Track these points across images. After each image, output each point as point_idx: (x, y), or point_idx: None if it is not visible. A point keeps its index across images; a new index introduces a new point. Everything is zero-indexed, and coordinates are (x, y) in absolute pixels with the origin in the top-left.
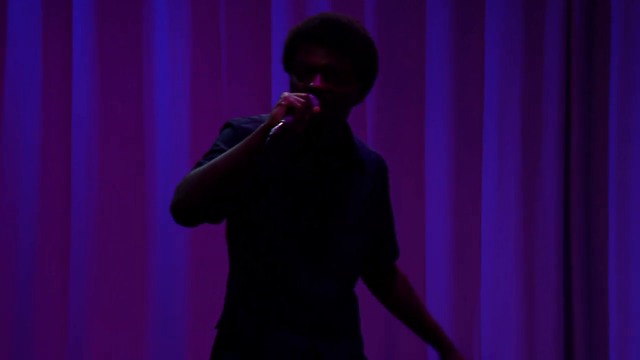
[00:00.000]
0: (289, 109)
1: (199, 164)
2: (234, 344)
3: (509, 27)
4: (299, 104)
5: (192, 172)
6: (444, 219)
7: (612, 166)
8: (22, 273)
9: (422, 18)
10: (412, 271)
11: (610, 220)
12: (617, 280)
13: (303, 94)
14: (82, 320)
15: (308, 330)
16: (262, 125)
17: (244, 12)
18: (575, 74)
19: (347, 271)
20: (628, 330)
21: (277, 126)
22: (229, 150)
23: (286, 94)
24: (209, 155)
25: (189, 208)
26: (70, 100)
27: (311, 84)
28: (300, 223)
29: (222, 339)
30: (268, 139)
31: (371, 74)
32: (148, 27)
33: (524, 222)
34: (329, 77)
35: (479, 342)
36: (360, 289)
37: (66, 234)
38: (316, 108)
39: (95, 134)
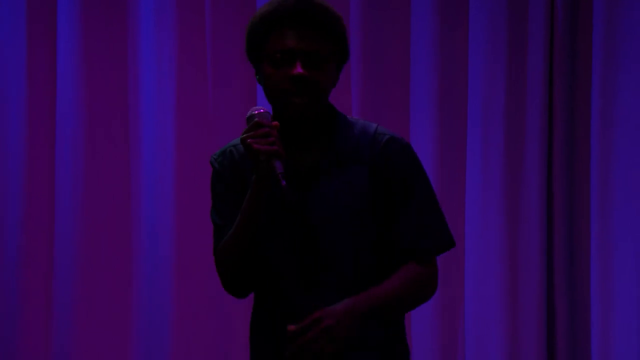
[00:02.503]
0: (271, 157)
1: (215, 226)
2: None
3: (493, 25)
4: (275, 147)
5: (222, 245)
6: None
7: (594, 165)
8: (6, 273)
9: (407, 19)
10: None
11: (592, 219)
12: (599, 277)
13: (264, 131)
14: (66, 321)
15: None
16: (259, 185)
17: (229, 12)
18: (558, 72)
19: (350, 279)
20: (610, 327)
21: (282, 182)
22: (242, 211)
23: (254, 145)
24: (212, 208)
25: (241, 279)
26: (55, 101)
27: (294, 71)
28: (287, 239)
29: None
30: (285, 193)
31: (347, 54)
32: (133, 28)
33: (508, 222)
34: (309, 62)
35: (464, 340)
36: None
37: (50, 235)
38: (276, 123)
39: (80, 135)
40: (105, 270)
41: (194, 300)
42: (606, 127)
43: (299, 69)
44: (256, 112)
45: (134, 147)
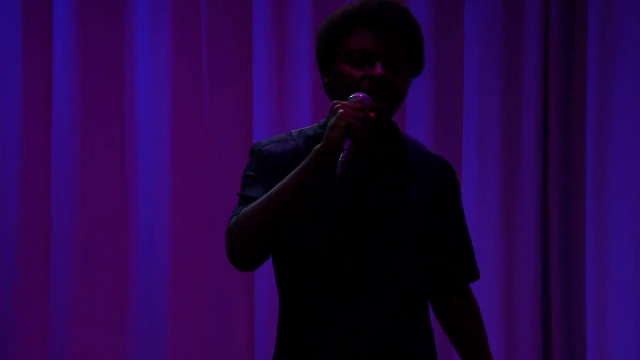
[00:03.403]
0: (349, 129)
1: (242, 198)
2: None
3: (488, 27)
4: (359, 123)
5: (242, 211)
6: None
7: (589, 167)
8: (4, 274)
9: None
10: None
11: (587, 220)
12: (594, 278)
13: (358, 105)
14: (63, 322)
15: None
16: (320, 149)
17: (225, 14)
18: (553, 74)
19: (406, 295)
20: (605, 329)
21: (342, 158)
22: (281, 183)
23: (341, 109)
24: (245, 190)
25: (250, 249)
26: (50, 104)
27: (375, 72)
28: (344, 243)
29: None
30: (338, 172)
31: (421, 65)
32: (129, 30)
33: (504, 223)
34: (388, 65)
35: None
36: None
37: (47, 236)
38: (371, 114)
39: (76, 136)
40: (102, 271)
41: (192, 301)
42: (601, 128)
43: (378, 69)
44: (362, 95)
45: (130, 149)
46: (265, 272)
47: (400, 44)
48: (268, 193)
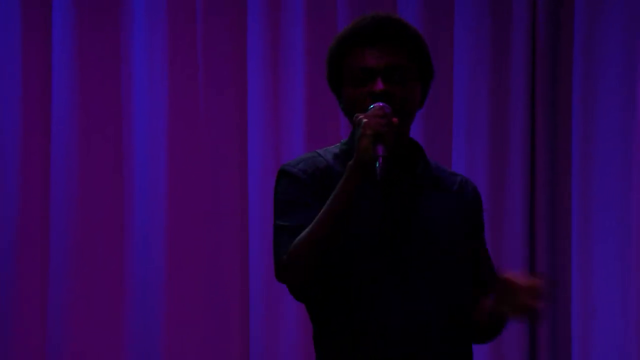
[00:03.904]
0: (377, 136)
1: (280, 229)
2: None
3: (477, 32)
4: (385, 128)
5: (298, 241)
6: None
7: (575, 170)
8: (1, 271)
9: None
10: None
11: (573, 223)
12: (579, 275)
13: (380, 112)
14: (61, 320)
15: None
16: (354, 163)
17: (220, 16)
18: (540, 81)
19: (450, 298)
20: (590, 325)
21: (379, 164)
22: (327, 205)
23: (364, 119)
24: (281, 215)
25: (311, 278)
26: (50, 106)
27: (375, 88)
28: (385, 245)
29: None
30: (379, 179)
31: (430, 72)
32: (126, 34)
33: (492, 224)
34: (391, 78)
35: None
36: None
37: (45, 235)
38: (395, 119)
39: (75, 138)
40: (99, 269)
41: (187, 299)
42: (587, 131)
43: (379, 85)
44: (381, 104)
45: (127, 149)
46: (261, 270)
47: (401, 55)
48: (317, 218)
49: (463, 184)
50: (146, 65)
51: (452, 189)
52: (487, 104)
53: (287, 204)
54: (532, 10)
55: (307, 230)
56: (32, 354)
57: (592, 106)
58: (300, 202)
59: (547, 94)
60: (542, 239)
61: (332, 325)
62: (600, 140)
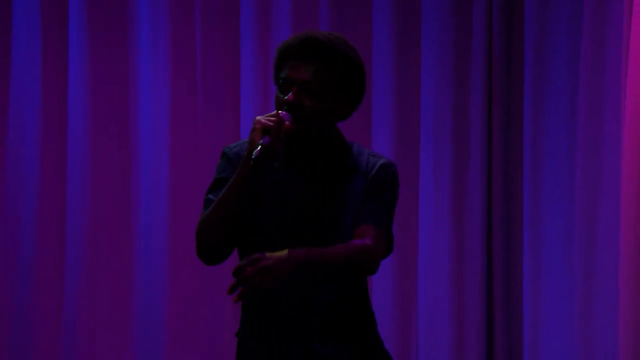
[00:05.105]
0: (264, 130)
1: (206, 201)
2: (246, 356)
3: (441, 48)
4: (272, 124)
5: (203, 215)
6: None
7: (526, 174)
8: (22, 270)
9: (369, 46)
10: None
11: (524, 222)
12: (530, 268)
13: (274, 113)
14: (75, 311)
15: (307, 336)
16: (247, 153)
17: (215, 34)
18: (496, 94)
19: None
20: (539, 315)
21: (257, 149)
22: (226, 186)
23: (258, 117)
24: (211, 189)
25: (213, 248)
26: (66, 113)
27: (285, 97)
28: (294, 227)
29: (239, 349)
30: (251, 162)
31: (355, 89)
32: (134, 47)
33: (454, 222)
34: (307, 91)
35: (417, 328)
36: None
37: (62, 234)
38: (287, 124)
39: (87, 142)
40: (107, 263)
41: (188, 295)
42: (536, 140)
43: (290, 96)
44: (283, 112)
45: (134, 153)
46: None
47: (322, 73)
48: (217, 198)
49: (374, 164)
50: (150, 75)
51: (365, 171)
52: (450, 116)
53: (217, 180)
54: (488, 33)
55: (210, 207)
56: (51, 344)
57: (540, 118)
58: (226, 179)
59: (502, 105)
60: (498, 230)
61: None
62: (548, 147)
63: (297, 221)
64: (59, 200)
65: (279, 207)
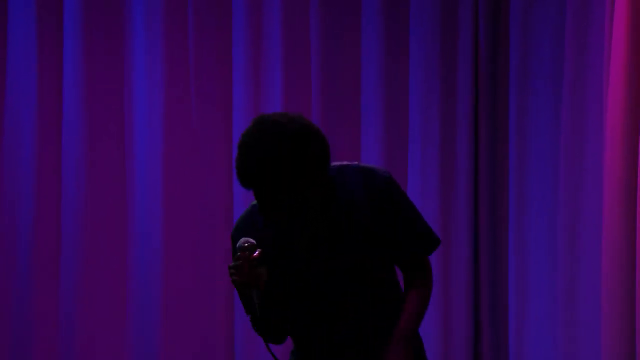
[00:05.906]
0: (243, 287)
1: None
2: None
3: (428, 54)
4: (243, 279)
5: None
6: None
7: (512, 176)
8: (19, 271)
9: (358, 52)
10: None
11: (510, 222)
12: (515, 270)
13: (241, 259)
14: (72, 311)
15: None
16: (243, 301)
17: (208, 40)
18: (482, 95)
19: (369, 292)
20: (525, 316)
21: (255, 305)
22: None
23: (232, 270)
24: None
25: (272, 342)
26: (62, 117)
27: (254, 253)
28: (313, 280)
29: None
30: (257, 307)
31: (313, 157)
32: (129, 51)
33: (441, 219)
34: (280, 207)
35: None
36: None
37: (58, 235)
38: (255, 255)
39: (83, 143)
40: (103, 262)
41: (183, 296)
42: (521, 143)
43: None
44: (242, 244)
45: (129, 154)
46: None
47: (275, 186)
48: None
49: (363, 181)
50: (145, 76)
51: (356, 193)
52: (438, 121)
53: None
54: (474, 37)
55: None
56: (48, 341)
57: (525, 123)
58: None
59: (488, 109)
60: (484, 227)
61: (295, 341)
62: (532, 152)
63: (313, 274)
64: (55, 202)
65: (291, 272)
